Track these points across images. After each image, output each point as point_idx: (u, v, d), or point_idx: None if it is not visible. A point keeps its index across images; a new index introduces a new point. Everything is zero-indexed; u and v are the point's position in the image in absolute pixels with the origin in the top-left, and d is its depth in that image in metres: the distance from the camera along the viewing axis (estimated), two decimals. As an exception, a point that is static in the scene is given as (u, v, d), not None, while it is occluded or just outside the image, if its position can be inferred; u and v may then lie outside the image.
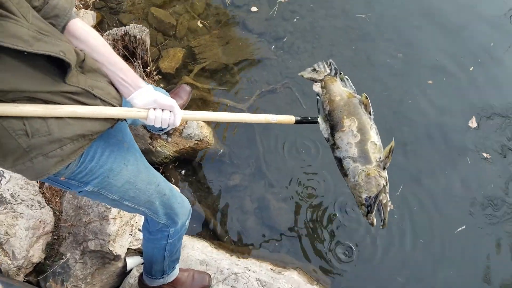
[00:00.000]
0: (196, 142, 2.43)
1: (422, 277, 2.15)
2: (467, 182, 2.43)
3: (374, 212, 1.32)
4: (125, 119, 1.17)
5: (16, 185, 1.83)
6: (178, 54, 2.87)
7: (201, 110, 2.64)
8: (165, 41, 2.94)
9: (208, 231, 2.28)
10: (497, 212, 2.34)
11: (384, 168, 1.36)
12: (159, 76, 2.71)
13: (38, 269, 1.85)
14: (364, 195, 1.33)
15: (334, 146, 1.44)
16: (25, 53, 0.86)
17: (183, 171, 2.43)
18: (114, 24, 3.01)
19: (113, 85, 1.13)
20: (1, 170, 1.82)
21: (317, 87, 1.62)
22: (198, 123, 2.46)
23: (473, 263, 2.19)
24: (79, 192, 1.21)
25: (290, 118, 1.45)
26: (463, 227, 2.27)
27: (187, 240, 2.10)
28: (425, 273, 2.16)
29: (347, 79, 1.62)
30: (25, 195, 1.85)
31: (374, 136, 1.41)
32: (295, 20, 2.97)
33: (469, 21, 3.07)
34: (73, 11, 1.08)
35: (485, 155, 2.51)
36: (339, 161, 1.41)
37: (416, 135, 2.56)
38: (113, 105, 1.09)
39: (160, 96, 1.11)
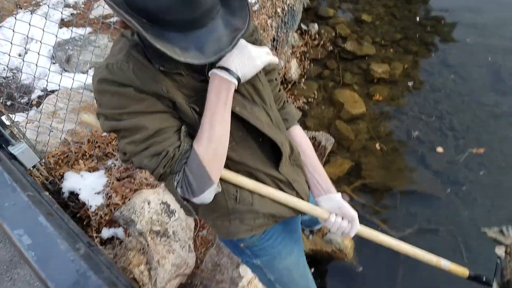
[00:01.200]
0: (334, 250, 2.34)
1: None
2: None
3: None
4: (303, 214, 1.27)
5: (179, 225, 2.06)
6: (345, 165, 2.96)
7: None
8: (337, 151, 3.09)
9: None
10: None
11: None
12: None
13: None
14: None
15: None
16: (261, 139, 1.08)
17: (312, 269, 2.33)
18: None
19: (307, 183, 1.28)
20: (174, 208, 2.09)
21: (500, 250, 1.49)
22: (343, 232, 2.39)
23: None
24: (246, 261, 1.34)
25: (464, 271, 1.36)
26: None
27: None
28: None
29: None
30: (182, 236, 2.05)
31: None
32: (481, 173, 2.76)
33: None
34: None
35: None
36: None
37: None
38: (303, 199, 1.22)
39: (345, 205, 1.19)
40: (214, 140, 0.93)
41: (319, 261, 2.37)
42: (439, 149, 2.96)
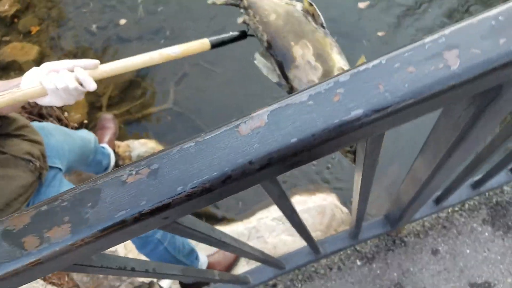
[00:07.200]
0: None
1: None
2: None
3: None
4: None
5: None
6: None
7: (137, 131, 2.65)
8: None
9: (209, 222, 2.32)
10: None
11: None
12: (76, 125, 2.65)
13: None
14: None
15: (292, 91, 0.89)
16: None
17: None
18: None
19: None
20: None
21: (240, 19, 1.03)
22: (140, 141, 2.47)
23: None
24: None
25: (203, 43, 1.02)
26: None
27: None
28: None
29: None
30: (33, 291, 1.77)
31: (339, 59, 0.86)
32: (159, 9, 3.03)
33: None
34: None
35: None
36: None
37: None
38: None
39: (47, 63, 0.90)
40: None
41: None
42: (122, 21, 3.05)
